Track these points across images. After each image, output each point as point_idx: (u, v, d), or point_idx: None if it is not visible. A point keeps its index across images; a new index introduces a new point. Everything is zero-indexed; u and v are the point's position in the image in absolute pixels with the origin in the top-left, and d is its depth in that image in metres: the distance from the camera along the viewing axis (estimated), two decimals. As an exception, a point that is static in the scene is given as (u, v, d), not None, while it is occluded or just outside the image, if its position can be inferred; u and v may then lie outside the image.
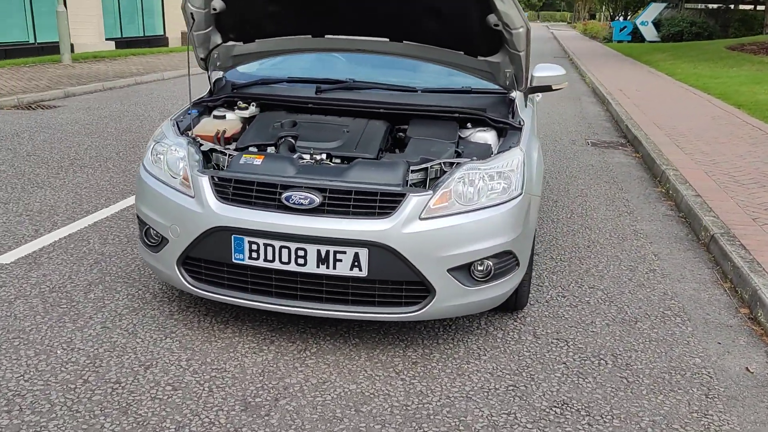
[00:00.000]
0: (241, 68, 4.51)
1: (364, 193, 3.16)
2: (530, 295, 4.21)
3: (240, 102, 4.06)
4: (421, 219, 3.14)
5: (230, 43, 4.08)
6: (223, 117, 3.96)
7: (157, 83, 14.39)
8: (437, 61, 4.01)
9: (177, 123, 3.83)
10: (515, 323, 3.81)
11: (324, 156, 3.53)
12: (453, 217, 3.19)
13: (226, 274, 3.30)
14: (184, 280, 3.37)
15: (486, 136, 3.88)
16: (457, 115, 3.90)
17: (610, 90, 13.95)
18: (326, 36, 3.98)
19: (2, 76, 13.00)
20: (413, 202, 3.14)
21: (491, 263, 3.29)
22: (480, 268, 3.29)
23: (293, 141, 3.64)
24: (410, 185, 3.35)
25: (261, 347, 3.39)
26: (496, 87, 4.12)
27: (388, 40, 3.93)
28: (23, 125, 8.99)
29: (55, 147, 7.79)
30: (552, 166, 7.73)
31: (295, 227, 3.11)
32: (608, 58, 23.28)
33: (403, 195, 3.16)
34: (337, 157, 3.54)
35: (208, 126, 3.87)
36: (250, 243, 3.18)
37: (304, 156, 3.46)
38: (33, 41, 18.16)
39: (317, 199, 3.12)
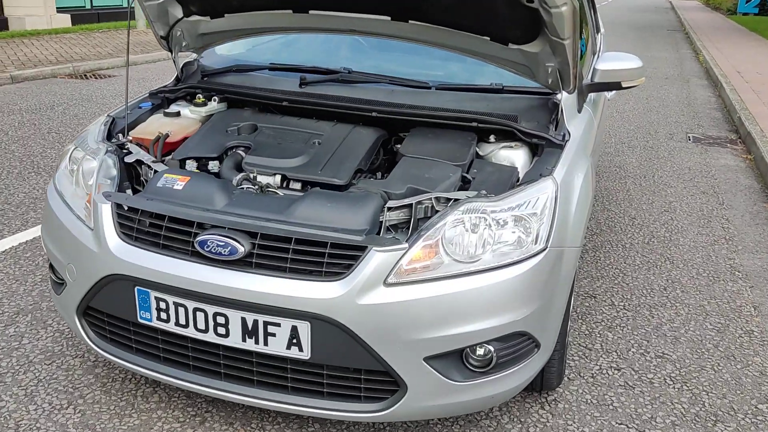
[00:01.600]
0: (222, 49, 3.64)
1: (308, 242, 2.22)
2: (570, 364, 3.15)
3: (199, 95, 3.20)
4: (387, 285, 2.18)
5: (194, 17, 3.20)
6: (177, 114, 3.11)
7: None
8: (454, 48, 2.96)
9: (112, 120, 3.02)
10: (540, 412, 2.78)
11: (276, 179, 2.61)
12: (436, 284, 2.20)
13: (133, 336, 2.47)
14: (85, 335, 2.58)
15: (513, 156, 2.82)
16: (474, 124, 2.85)
17: (725, 71, 12.09)
18: (311, 12, 3.02)
19: (77, 43, 12.85)
20: (377, 259, 2.17)
21: (494, 348, 2.28)
22: (478, 354, 2.29)
23: (242, 155, 2.74)
24: (386, 229, 2.37)
25: (187, 428, 2.55)
26: (537, 85, 3.02)
27: (389, 19, 2.92)
28: (64, 96, 8.61)
29: (83, 123, 7.28)
30: (637, 169, 6.42)
31: (212, 285, 2.22)
32: (729, 33, 20.75)
33: (363, 248, 2.20)
34: (297, 180, 2.61)
35: (153, 126, 3.03)
36: (158, 300, 2.33)
37: (248, 179, 2.56)
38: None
39: (242, 248, 2.21)
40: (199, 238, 2.25)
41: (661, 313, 3.68)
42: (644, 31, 20.52)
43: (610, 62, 3.36)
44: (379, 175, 2.73)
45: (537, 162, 2.69)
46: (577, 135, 2.92)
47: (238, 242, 2.21)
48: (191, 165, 2.72)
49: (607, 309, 3.70)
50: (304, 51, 3.61)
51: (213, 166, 2.72)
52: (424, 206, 2.40)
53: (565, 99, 3.01)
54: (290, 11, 3.04)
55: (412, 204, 2.38)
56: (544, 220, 2.37)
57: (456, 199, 2.39)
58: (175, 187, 2.44)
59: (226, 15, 3.16)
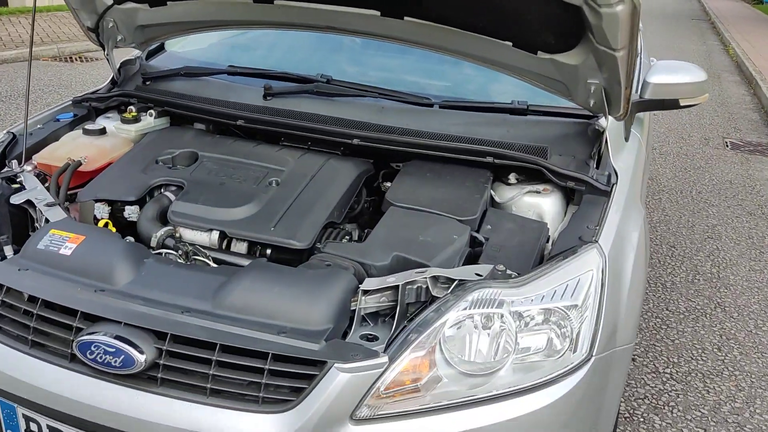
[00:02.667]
0: (174, 45, 2.90)
1: (241, 351, 1.50)
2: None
3: (131, 108, 2.47)
4: (356, 421, 1.46)
5: (128, 5, 2.46)
6: (100, 132, 2.38)
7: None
8: (464, 55, 2.21)
9: (12, 138, 2.31)
10: None
11: (213, 237, 1.89)
12: (431, 420, 1.48)
13: (3, 460, 1.77)
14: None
15: (540, 205, 2.08)
16: (490, 159, 2.11)
17: (759, 67, 11.20)
18: (276, 2, 2.27)
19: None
20: (341, 381, 1.45)
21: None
22: None
23: (170, 199, 2.02)
24: (360, 320, 1.65)
25: None
26: (573, 106, 2.27)
27: (378, 14, 2.17)
28: (42, 81, 7.90)
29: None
30: (672, 182, 5.64)
31: (96, 409, 1.51)
32: (757, 24, 19.70)
33: (322, 363, 1.47)
34: (241, 240, 1.89)
35: (65, 148, 2.30)
36: (27, 419, 1.63)
37: (173, 237, 1.84)
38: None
39: (141, 357, 1.50)
40: (81, 338, 1.53)
41: (717, 385, 2.95)
42: (667, 19, 19.51)
43: (665, 74, 2.59)
44: (355, 233, 1.98)
45: (575, 217, 1.95)
46: (627, 175, 2.17)
47: (137, 348, 1.50)
48: (102, 210, 2.00)
49: (651, 378, 2.97)
50: (274, 50, 2.86)
51: (131, 213, 2.00)
52: (415, 287, 1.68)
53: (611, 126, 2.26)
54: (250, 0, 2.30)
55: (398, 286, 1.66)
56: (587, 314, 1.64)
57: (461, 280, 1.66)
58: (62, 251, 1.72)
59: (168, 2, 2.42)
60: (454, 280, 1.66)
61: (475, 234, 1.90)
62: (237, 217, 1.89)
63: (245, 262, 1.81)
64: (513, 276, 1.69)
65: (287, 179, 2.05)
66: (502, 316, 1.57)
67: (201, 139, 2.31)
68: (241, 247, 1.88)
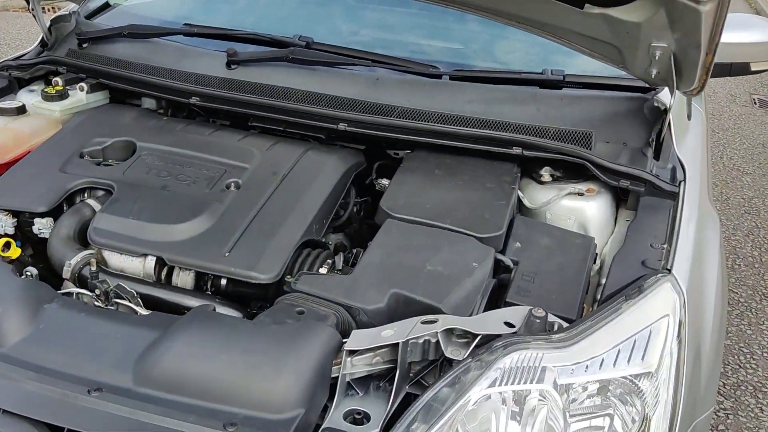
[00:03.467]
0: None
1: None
2: None
3: (57, 79, 1.94)
4: None
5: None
6: (19, 111, 1.87)
7: None
8: (485, 10, 1.68)
9: None
10: None
11: (147, 265, 1.40)
12: None
13: None
14: None
15: (585, 209, 1.59)
16: (518, 150, 1.61)
17: (783, 13, 10.48)
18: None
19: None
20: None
21: None
22: None
23: (93, 210, 1.52)
24: (346, 388, 1.18)
25: None
26: (624, 75, 1.74)
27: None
28: (9, 34, 7.28)
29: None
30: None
31: None
32: (775, -34, 18.72)
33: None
34: (187, 268, 1.40)
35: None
36: None
37: (89, 264, 1.36)
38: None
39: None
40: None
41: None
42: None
43: (733, 31, 2.05)
44: (339, 260, 1.47)
45: (632, 230, 1.46)
46: (695, 168, 1.67)
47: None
48: (6, 223, 1.51)
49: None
50: (242, 4, 2.31)
51: (42, 228, 1.50)
52: (421, 343, 1.20)
53: (677, 103, 1.74)
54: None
55: (398, 343, 1.18)
56: (664, 383, 1.17)
57: (486, 336, 1.18)
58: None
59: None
60: (476, 335, 1.18)
61: (501, 257, 1.42)
62: (181, 236, 1.40)
63: (192, 301, 1.34)
64: (557, 326, 1.21)
65: (251, 180, 1.55)
66: (545, 392, 1.11)
67: (142, 122, 1.79)
68: (185, 280, 1.40)
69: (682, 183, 1.58)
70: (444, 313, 1.26)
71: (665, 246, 1.41)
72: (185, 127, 1.76)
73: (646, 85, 1.76)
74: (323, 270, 1.41)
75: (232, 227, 1.42)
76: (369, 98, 1.76)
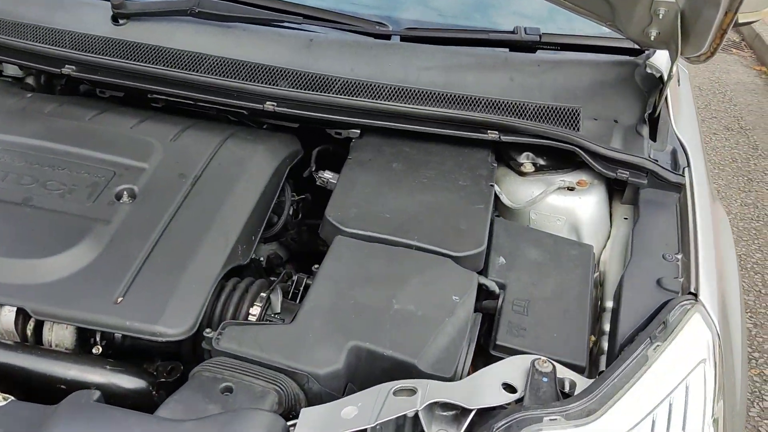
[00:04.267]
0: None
1: None
2: None
3: None
4: None
5: None
6: None
7: None
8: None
9: None
10: None
11: (6, 319, 1.00)
12: None
13: None
14: None
15: (576, 208, 1.29)
16: (493, 135, 1.29)
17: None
18: None
19: None
20: None
21: None
22: None
23: None
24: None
25: None
26: (608, 34, 1.43)
27: None
28: None
29: None
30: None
31: None
32: None
33: None
34: (61, 321, 1.02)
35: None
36: None
37: None
38: None
39: None
40: None
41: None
42: None
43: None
44: (277, 296, 1.10)
45: (638, 235, 1.18)
46: (698, 150, 1.40)
47: None
48: None
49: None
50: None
51: None
52: (396, 424, 0.89)
53: (666, 66, 1.46)
54: None
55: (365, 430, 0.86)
56: None
57: (482, 410, 0.88)
58: None
59: None
60: (470, 409, 0.88)
61: (484, 280, 1.11)
62: (52, 275, 1.01)
63: (71, 369, 0.96)
64: (568, 385, 0.93)
65: (150, 186, 1.16)
66: (565, 490, 0.83)
67: (1, 99, 1.35)
68: (62, 337, 1.01)
69: (686, 170, 1.31)
70: (420, 370, 0.95)
71: (679, 257, 1.14)
72: (56, 109, 1.32)
73: (635, 47, 1.46)
74: (255, 311, 1.06)
75: (125, 259, 1.04)
76: (302, 66, 1.38)
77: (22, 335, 1.02)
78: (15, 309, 1.00)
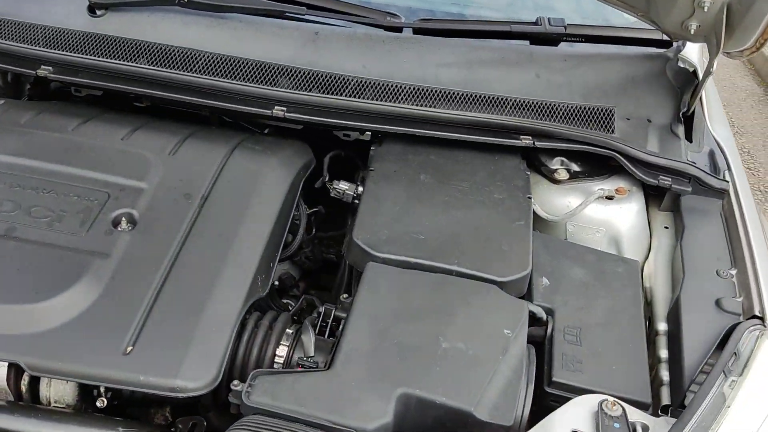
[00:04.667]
0: None
1: None
2: None
3: None
4: None
5: None
6: None
7: None
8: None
9: None
10: None
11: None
12: None
13: None
14: None
15: (615, 219, 1.19)
16: (527, 141, 1.18)
17: None
18: None
19: None
20: None
21: None
22: None
23: None
24: None
25: None
26: (635, 24, 1.34)
27: None
28: None
29: None
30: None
31: None
32: None
33: None
34: (61, 377, 0.88)
35: None
36: None
37: None
38: None
39: None
40: None
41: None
42: None
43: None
44: (306, 330, 0.98)
45: (687, 250, 1.10)
46: (735, 152, 1.32)
47: None
48: None
49: None
50: None
51: None
52: None
53: (698, 60, 1.37)
54: None
55: None
56: None
57: None
58: None
59: None
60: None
61: (531, 307, 1.01)
62: (48, 323, 0.86)
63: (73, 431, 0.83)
64: (640, 430, 0.84)
65: (152, 210, 1.01)
66: None
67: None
68: (62, 394, 0.88)
69: (728, 174, 1.23)
70: (478, 419, 0.84)
71: (734, 272, 1.06)
72: (34, 119, 1.15)
73: (664, 38, 1.36)
74: (281, 351, 0.94)
75: (130, 300, 0.90)
76: (308, 64, 1.24)
77: (16, 393, 0.87)
78: (6, 364, 0.86)
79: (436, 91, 1.23)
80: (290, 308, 1.12)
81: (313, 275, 1.33)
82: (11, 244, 0.94)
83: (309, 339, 0.93)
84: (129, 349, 0.86)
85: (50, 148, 1.08)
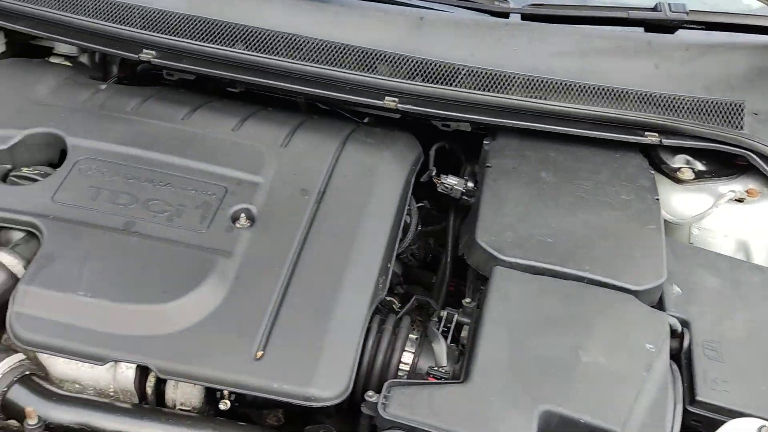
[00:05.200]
0: None
1: None
2: None
3: None
4: None
5: None
6: None
7: None
8: None
9: None
10: None
11: (124, 376, 0.84)
12: None
13: None
14: None
15: (747, 220, 1.12)
16: (654, 138, 1.11)
17: None
18: None
19: None
20: None
21: None
22: None
23: (7, 271, 0.88)
24: None
25: None
26: (760, 10, 1.25)
27: None
28: None
29: None
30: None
31: None
32: None
33: None
34: (190, 381, 0.85)
35: None
36: None
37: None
38: None
39: None
40: None
41: None
42: None
43: None
44: (433, 339, 0.93)
45: None
46: None
47: None
48: None
49: None
50: None
51: None
52: None
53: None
54: None
55: None
56: None
57: None
58: None
59: None
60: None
61: (668, 319, 0.95)
62: (174, 324, 0.84)
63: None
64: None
65: (270, 206, 0.97)
66: None
67: (70, 96, 1.13)
68: (188, 396, 0.85)
69: None
70: (624, 440, 0.80)
71: None
72: (141, 106, 1.12)
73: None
74: (407, 358, 0.90)
75: (256, 301, 0.87)
76: (414, 51, 1.18)
77: (141, 394, 0.85)
78: (134, 366, 0.83)
79: (550, 83, 1.16)
80: (394, 307, 1.08)
81: (411, 273, 1.29)
82: (133, 239, 0.91)
83: (440, 347, 0.88)
84: (259, 354, 0.83)
85: (163, 138, 1.05)
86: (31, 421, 0.74)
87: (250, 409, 0.94)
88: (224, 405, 0.87)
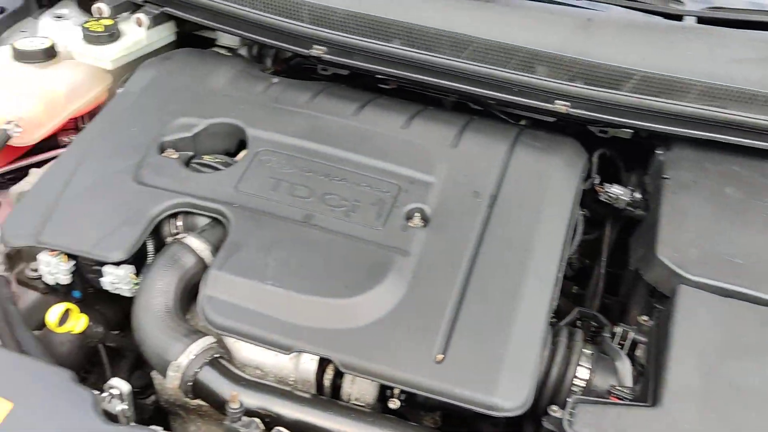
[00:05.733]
0: None
1: None
2: None
3: (100, 5, 1.28)
4: None
5: None
6: (48, 52, 1.24)
7: None
8: None
9: None
10: None
11: (306, 367, 0.86)
12: None
13: None
14: None
15: None
16: None
17: None
18: None
19: None
20: None
21: None
22: None
23: (196, 255, 0.92)
24: None
25: None
26: None
27: None
28: None
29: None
30: None
31: None
32: None
33: None
34: (373, 378, 0.86)
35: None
36: None
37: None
38: None
39: None
40: None
41: None
42: None
43: None
44: (614, 357, 0.90)
45: None
46: None
47: None
48: (57, 268, 0.95)
49: None
50: None
51: (117, 281, 0.93)
52: None
53: None
54: None
55: None
56: None
57: None
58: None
59: None
60: None
61: None
62: (357, 320, 0.85)
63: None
64: None
65: (443, 207, 0.97)
66: None
67: (245, 87, 1.17)
68: (364, 392, 0.86)
69: None
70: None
71: None
72: (312, 101, 1.14)
73: None
74: (582, 373, 0.87)
75: (435, 302, 0.87)
76: (580, 53, 1.14)
77: (318, 386, 0.87)
78: (317, 358, 0.85)
79: (730, 91, 1.10)
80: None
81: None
82: (314, 232, 0.93)
83: (624, 366, 0.85)
84: (440, 356, 0.82)
85: (336, 133, 1.06)
86: (234, 405, 0.77)
87: (410, 410, 0.94)
88: (394, 404, 0.87)
